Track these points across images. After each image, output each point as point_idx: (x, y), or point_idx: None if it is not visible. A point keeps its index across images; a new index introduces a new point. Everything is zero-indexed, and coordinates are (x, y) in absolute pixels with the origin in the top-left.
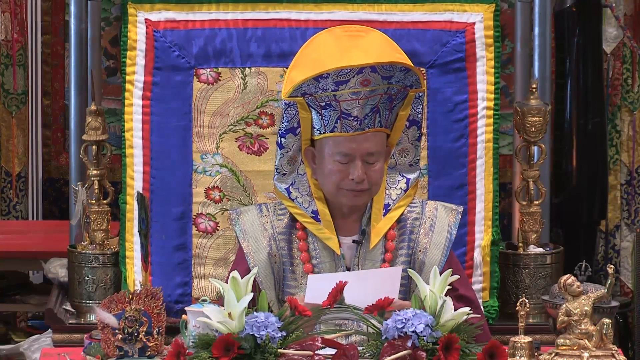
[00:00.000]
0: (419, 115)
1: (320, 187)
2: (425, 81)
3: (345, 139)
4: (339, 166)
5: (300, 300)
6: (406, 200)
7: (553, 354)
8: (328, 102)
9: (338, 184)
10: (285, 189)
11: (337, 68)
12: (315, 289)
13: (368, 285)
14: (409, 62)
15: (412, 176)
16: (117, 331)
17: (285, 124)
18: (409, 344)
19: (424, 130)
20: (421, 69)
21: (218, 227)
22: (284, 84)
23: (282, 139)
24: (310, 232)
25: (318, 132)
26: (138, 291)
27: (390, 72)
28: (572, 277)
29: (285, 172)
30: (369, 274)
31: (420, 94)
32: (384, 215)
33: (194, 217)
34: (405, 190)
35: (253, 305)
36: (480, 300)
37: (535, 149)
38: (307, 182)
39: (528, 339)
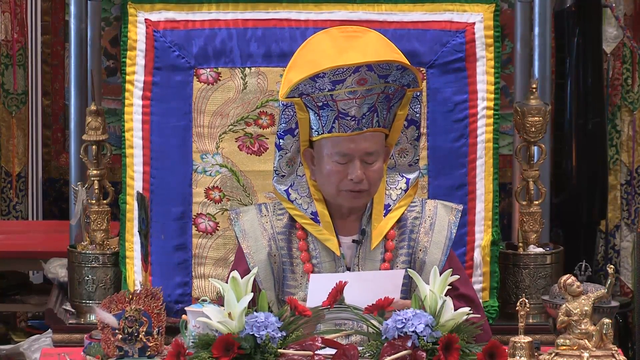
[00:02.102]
0: (417, 115)
1: (320, 189)
2: (423, 80)
3: (344, 139)
4: (338, 166)
5: (301, 299)
6: (406, 200)
7: (553, 354)
8: (325, 102)
9: (337, 185)
10: (284, 190)
11: (333, 67)
12: (316, 289)
13: (369, 287)
14: (405, 61)
15: (411, 176)
16: (117, 331)
17: (283, 125)
18: (409, 344)
19: (424, 130)
20: (421, 69)
21: (218, 227)
22: (281, 85)
23: (281, 141)
24: (309, 232)
25: (316, 132)
26: (138, 291)
27: (387, 71)
28: (572, 277)
29: (284, 174)
30: (370, 275)
31: (418, 94)
32: (384, 216)
33: (194, 217)
34: (406, 190)
35: (253, 305)
36: (480, 300)
37: (535, 149)
38: (306, 184)
39: (528, 339)
